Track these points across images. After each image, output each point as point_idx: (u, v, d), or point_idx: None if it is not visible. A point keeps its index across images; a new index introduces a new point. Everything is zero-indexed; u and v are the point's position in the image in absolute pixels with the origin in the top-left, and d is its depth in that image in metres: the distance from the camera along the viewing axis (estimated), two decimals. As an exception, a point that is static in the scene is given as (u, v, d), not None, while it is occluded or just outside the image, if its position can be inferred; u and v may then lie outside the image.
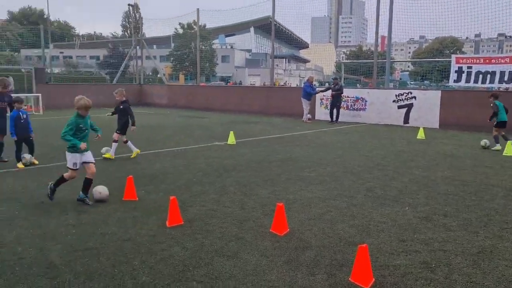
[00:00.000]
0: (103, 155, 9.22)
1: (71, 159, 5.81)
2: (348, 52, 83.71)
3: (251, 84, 54.37)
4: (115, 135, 9.38)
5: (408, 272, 3.83)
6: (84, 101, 5.84)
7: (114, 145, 9.32)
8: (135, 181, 6.29)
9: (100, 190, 5.95)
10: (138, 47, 30.92)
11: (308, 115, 18.89)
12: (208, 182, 7.12)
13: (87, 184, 5.88)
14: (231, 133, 11.75)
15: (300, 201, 6.05)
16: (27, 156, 8.43)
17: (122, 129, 9.42)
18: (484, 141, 11.48)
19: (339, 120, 18.03)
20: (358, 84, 40.13)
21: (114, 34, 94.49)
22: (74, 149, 5.76)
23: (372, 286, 3.55)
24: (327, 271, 3.84)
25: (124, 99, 9.43)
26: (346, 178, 7.54)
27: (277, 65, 64.88)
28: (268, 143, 11.89)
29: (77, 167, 5.84)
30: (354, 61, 49.21)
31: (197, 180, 7.31)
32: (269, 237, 4.64)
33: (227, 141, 11.60)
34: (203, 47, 49.41)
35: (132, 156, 9.40)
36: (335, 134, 14.20)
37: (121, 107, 9.39)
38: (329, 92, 18.61)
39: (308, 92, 18.53)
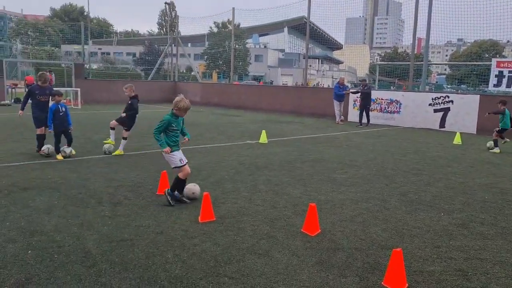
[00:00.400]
0: (112, 153, 9.12)
1: (174, 157, 5.63)
2: (383, 54, 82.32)
3: (283, 84, 54.29)
4: (124, 132, 9.32)
5: (443, 279, 3.74)
6: (184, 103, 5.62)
7: (124, 141, 9.24)
8: (170, 177, 6.40)
9: (194, 190, 5.85)
10: (173, 45, 31.42)
11: (342, 116, 18.71)
12: (240, 180, 7.17)
13: (181, 184, 5.70)
14: (263, 132, 11.78)
15: (332, 202, 6.01)
16: (67, 150, 8.69)
17: (130, 126, 9.39)
18: (490, 143, 11.92)
19: (370, 122, 17.56)
20: (392, 87, 39.45)
21: (150, 31, 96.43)
22: (173, 148, 5.65)
23: (405, 291, 3.50)
24: (359, 273, 3.81)
25: (133, 94, 9.38)
26: (378, 181, 7.43)
27: (310, 66, 64.49)
28: (300, 143, 11.86)
29: (184, 162, 5.67)
30: (389, 63, 48.39)
31: (229, 177, 7.37)
32: (301, 237, 4.64)
33: (259, 139, 11.63)
34: (237, 46, 49.65)
35: (114, 153, 9.15)
36: (368, 137, 14.01)
37: (129, 102, 9.35)
38: (359, 94, 18.29)
39: (338, 93, 18.35)
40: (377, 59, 78.01)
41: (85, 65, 30.68)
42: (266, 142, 11.49)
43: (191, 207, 5.55)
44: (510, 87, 16.33)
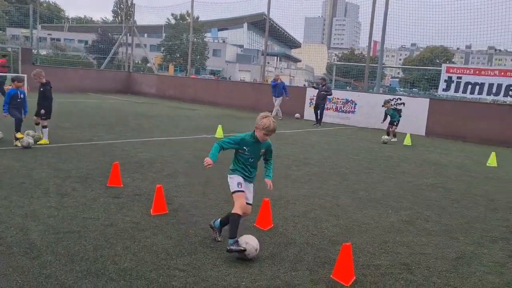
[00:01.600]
0: (37, 142, 8.56)
1: (232, 179, 4.31)
2: (340, 55, 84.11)
3: (241, 80, 54.29)
4: (42, 121, 8.74)
5: (388, 272, 3.87)
6: (269, 121, 4.08)
7: (45, 130, 8.74)
8: (121, 168, 6.24)
9: (256, 246, 3.94)
10: (128, 34, 30.62)
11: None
12: (194, 174, 7.10)
13: (235, 222, 4.07)
14: (220, 126, 11.73)
15: (285, 198, 6.07)
16: (31, 133, 8.45)
17: (47, 113, 8.73)
18: (384, 138, 13.55)
19: (322, 121, 17.50)
20: (348, 87, 40.35)
21: (104, 19, 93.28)
22: (233, 171, 4.38)
23: (352, 284, 3.59)
24: (309, 267, 3.87)
25: (44, 81, 8.78)
26: (332, 179, 7.59)
27: (268, 63, 64.80)
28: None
29: (242, 188, 4.24)
30: (346, 63, 49.48)
31: (183, 171, 7.28)
32: (254, 231, 4.65)
33: (215, 134, 11.57)
34: (195, 39, 49.11)
35: (39, 142, 8.62)
36: (323, 135, 14.27)
37: (41, 89, 8.77)
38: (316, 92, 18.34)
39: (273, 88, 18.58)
40: (334, 59, 79.58)
41: (33, 50, 29.32)
42: (222, 137, 11.45)
43: (144, 200, 5.44)
44: (458, 92, 17.12)
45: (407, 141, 13.56)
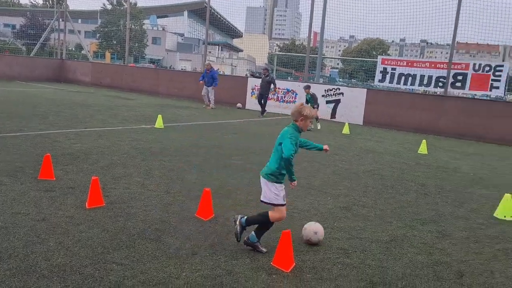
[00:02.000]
0: None
1: (279, 190, 4.01)
2: (281, 45, 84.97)
3: (182, 69, 53.41)
4: None
5: (327, 257, 3.99)
6: (311, 110, 4.09)
7: None
8: (53, 160, 5.93)
9: (317, 229, 4.23)
10: (60, 19, 29.04)
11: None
12: (133, 165, 6.90)
13: (265, 225, 4.05)
14: (159, 116, 11.47)
15: (226, 188, 6.06)
16: None
17: None
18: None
19: (265, 112, 17.53)
20: (289, 77, 40.94)
21: (33, 2, 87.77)
22: (281, 177, 4.09)
23: (292, 270, 3.65)
24: (250, 255, 3.89)
25: None
26: (272, 167, 7.66)
27: (209, 52, 64.21)
28: (197, 129, 11.77)
29: (285, 202, 4.08)
30: (287, 53, 50.12)
31: (121, 162, 7.05)
32: (194, 222, 4.61)
33: (154, 124, 11.30)
34: (132, 26, 47.53)
35: None
36: (265, 125, 14.39)
37: None
38: (259, 82, 18.26)
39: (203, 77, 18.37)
40: (275, 49, 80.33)
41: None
42: (162, 127, 11.21)
43: (78, 193, 5.20)
44: (392, 83, 17.87)
45: (346, 130, 14.00)
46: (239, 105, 19.73)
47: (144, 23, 62.96)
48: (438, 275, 3.81)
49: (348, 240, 4.48)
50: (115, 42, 53.88)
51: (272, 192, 3.98)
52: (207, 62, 19.30)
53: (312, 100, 14.58)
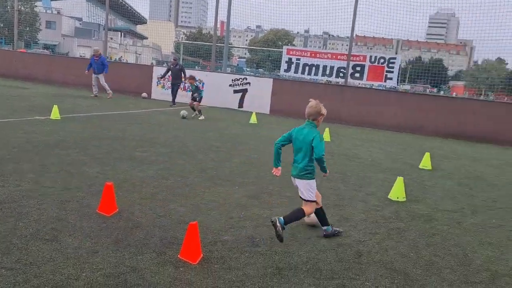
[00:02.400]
0: None
1: (314, 187, 4.32)
2: (188, 33, 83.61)
3: (80, 56, 50.24)
4: None
5: (234, 246, 4.00)
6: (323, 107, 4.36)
7: None
8: None
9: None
10: None
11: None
12: (26, 160, 6.33)
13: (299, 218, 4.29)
14: (55, 107, 10.66)
15: (131, 181, 5.82)
16: None
17: None
18: (182, 112, 13.52)
19: (175, 102, 17.32)
20: (196, 66, 40.49)
21: None
22: (314, 172, 4.35)
23: (200, 261, 3.61)
24: (156, 250, 3.77)
25: None
26: (180, 158, 7.52)
27: (111, 39, 61.16)
28: (99, 120, 11.16)
29: None
30: (194, 42, 49.43)
31: (11, 157, 6.43)
32: (95, 218, 4.35)
33: (50, 115, 10.48)
34: (22, 8, 43.53)
35: None
36: (171, 115, 14.08)
37: None
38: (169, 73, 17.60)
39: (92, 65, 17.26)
40: (182, 37, 78.87)
41: None
42: (59, 118, 10.44)
43: (-41, 193, 4.64)
44: (297, 73, 18.47)
45: (253, 119, 14.19)
46: (144, 94, 19.10)
47: (36, 5, 57.97)
48: (339, 256, 4.01)
49: (256, 228, 4.53)
50: (2, 25, 49.04)
51: (309, 191, 4.27)
52: (95, 48, 18.14)
53: (197, 91, 14.05)
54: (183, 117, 13.31)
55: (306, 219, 4.59)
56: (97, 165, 6.45)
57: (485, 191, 7.38)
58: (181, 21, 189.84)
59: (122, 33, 73.57)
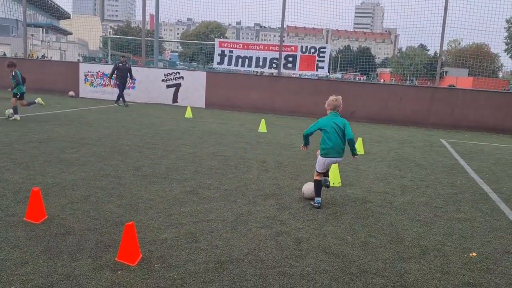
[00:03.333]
0: None
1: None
2: (116, 28, 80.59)
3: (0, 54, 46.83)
4: None
5: (174, 244, 3.93)
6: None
7: None
8: None
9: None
10: None
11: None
12: None
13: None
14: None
15: (61, 185, 5.52)
16: None
17: None
18: (7, 112, 10.75)
19: (120, 100, 16.37)
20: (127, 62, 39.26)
21: None
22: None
23: (139, 262, 3.51)
24: (91, 254, 3.61)
25: None
26: (113, 158, 7.26)
27: (32, 35, 57.47)
28: (21, 122, 10.48)
29: None
30: (122, 37, 47.74)
31: None
32: (23, 227, 4.08)
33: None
34: None
35: None
36: (102, 113, 13.55)
37: None
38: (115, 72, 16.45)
39: None
40: (109, 32, 75.84)
41: None
42: (-22, 121, 9.68)
43: None
44: (231, 65, 18.43)
45: (188, 114, 14.01)
46: (71, 93, 18.21)
47: None
48: (279, 245, 4.07)
49: (195, 223, 4.48)
50: None
51: (319, 162, 5.60)
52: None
53: (14, 80, 10.65)
54: (7, 117, 10.68)
55: (305, 194, 5.65)
56: (22, 170, 6.05)
57: (412, 172, 7.82)
58: (108, 15, 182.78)
59: (44, 29, 69.38)
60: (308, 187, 5.62)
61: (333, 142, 5.38)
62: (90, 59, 45.64)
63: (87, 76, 18.33)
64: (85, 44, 58.36)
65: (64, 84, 18.53)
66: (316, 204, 5.28)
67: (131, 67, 16.95)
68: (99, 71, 18.29)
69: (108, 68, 18.26)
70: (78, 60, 37.56)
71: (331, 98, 5.58)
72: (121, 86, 16.27)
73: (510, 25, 62.44)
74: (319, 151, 5.58)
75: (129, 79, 16.83)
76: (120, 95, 16.21)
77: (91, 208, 4.73)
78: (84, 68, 18.51)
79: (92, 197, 5.10)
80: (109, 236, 3.99)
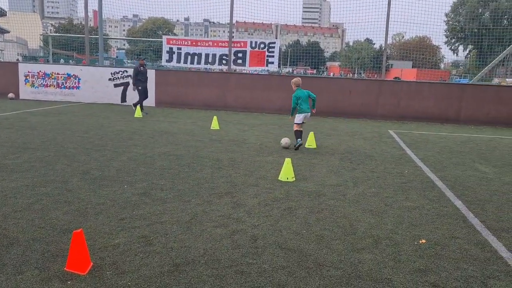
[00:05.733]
0: None
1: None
2: (57, 25, 77.26)
3: None
4: None
5: (127, 249, 3.80)
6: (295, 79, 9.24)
7: None
8: None
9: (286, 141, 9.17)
10: None
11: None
12: None
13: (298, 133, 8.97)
14: None
15: (2, 193, 5.21)
16: None
17: None
18: None
19: (138, 103, 14.33)
20: (71, 60, 37.74)
21: None
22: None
23: (90, 271, 3.36)
24: (38, 265, 3.42)
25: None
26: (59, 162, 6.94)
27: (-34, 34, 53.96)
28: (-42, 127, 9.82)
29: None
30: (64, 35, 45.86)
31: None
32: (-40, 241, 3.81)
33: None
34: None
35: None
36: (45, 115, 12.94)
37: None
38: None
39: None
40: (50, 30, 72.60)
41: None
42: None
43: None
44: (180, 63, 18.13)
45: (138, 113, 13.66)
46: (11, 95, 17.28)
47: None
48: (236, 243, 4.03)
49: (149, 226, 4.36)
50: None
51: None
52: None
53: None
54: None
55: (282, 144, 9.09)
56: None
57: (363, 163, 8.02)
58: (48, 12, 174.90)
59: (-22, 28, 65.36)
60: (285, 140, 9.15)
61: (305, 104, 8.96)
62: (30, 58, 43.53)
63: (28, 77, 17.43)
64: (24, 43, 55.53)
65: (2, 85, 17.55)
66: (298, 144, 8.76)
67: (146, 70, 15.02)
68: (40, 71, 17.45)
69: (49, 68, 17.47)
70: (17, 60, 35.70)
71: (296, 79, 9.18)
72: (142, 91, 14.44)
73: (449, 18, 65.67)
74: (294, 116, 9.05)
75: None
76: (140, 102, 14.31)
77: (36, 217, 4.49)
78: (24, 68, 17.59)
79: (37, 205, 4.84)
80: (56, 245, 3.80)
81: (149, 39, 49.18)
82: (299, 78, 9.18)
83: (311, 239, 4.22)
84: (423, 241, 4.29)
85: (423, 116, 16.10)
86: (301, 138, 8.83)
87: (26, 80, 17.42)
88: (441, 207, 5.47)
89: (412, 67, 50.31)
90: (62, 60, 36.20)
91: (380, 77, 17.97)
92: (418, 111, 16.13)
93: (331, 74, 60.32)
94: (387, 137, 11.75)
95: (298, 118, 8.92)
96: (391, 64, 58.36)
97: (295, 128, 8.92)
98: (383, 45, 17.85)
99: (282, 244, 4.07)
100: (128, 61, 52.49)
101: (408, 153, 9.29)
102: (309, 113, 8.97)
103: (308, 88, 9.40)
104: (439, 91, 16.08)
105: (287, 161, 6.47)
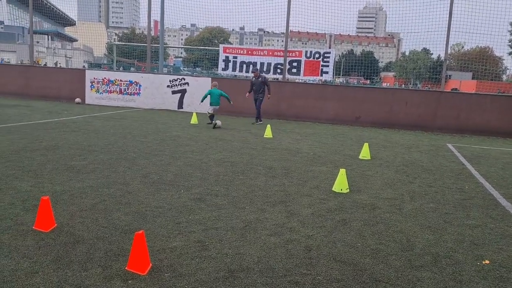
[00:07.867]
0: None
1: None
2: (120, 34, 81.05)
3: (5, 62, 47.18)
4: None
5: (184, 252, 3.91)
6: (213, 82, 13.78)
7: None
8: None
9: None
10: None
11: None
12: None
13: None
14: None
15: (70, 192, 5.53)
16: None
17: None
18: None
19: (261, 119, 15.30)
20: (132, 68, 39.37)
21: None
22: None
23: (149, 271, 3.49)
24: (101, 263, 3.60)
25: None
26: (120, 165, 7.26)
27: (38, 42, 57.86)
28: (30, 129, 10.53)
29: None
30: (127, 43, 47.98)
31: None
32: (32, 236, 4.08)
33: (-25, 127, 9.74)
34: None
35: None
36: (108, 120, 13.58)
37: None
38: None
39: None
40: (114, 39, 76.26)
41: None
42: (-15, 129, 9.73)
43: None
44: (235, 71, 18.45)
45: (194, 120, 14.02)
46: (77, 100, 18.29)
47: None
48: (289, 252, 4.04)
49: (204, 231, 4.46)
50: None
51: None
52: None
53: None
54: None
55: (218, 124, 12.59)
56: (30, 178, 6.06)
57: (420, 177, 7.77)
58: (113, 22, 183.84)
59: (50, 36, 69.84)
60: (219, 122, 13.04)
61: (214, 100, 13.50)
62: (95, 65, 45.86)
63: (93, 83, 18.40)
64: (90, 50, 58.66)
65: (70, 91, 18.61)
66: (213, 124, 12.94)
67: (267, 80, 15.42)
68: (104, 77, 18.36)
69: (113, 75, 18.33)
70: (84, 66, 37.73)
71: (213, 83, 14.10)
72: (257, 102, 15.03)
73: (514, 28, 62.18)
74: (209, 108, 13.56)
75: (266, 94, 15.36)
76: (258, 112, 14.98)
77: (99, 216, 4.72)
78: (90, 74, 18.59)
79: (101, 205, 5.10)
80: (118, 245, 3.98)
81: (205, 47, 50.36)
82: (216, 82, 14.35)
83: (366, 252, 4.15)
84: (487, 262, 4.09)
85: (484, 129, 15.36)
86: (212, 120, 13.29)
87: (92, 86, 18.39)
88: (505, 227, 5.19)
89: (472, 78, 48.18)
90: (121, 68, 37.81)
91: (439, 88, 17.35)
92: (479, 124, 15.41)
93: (385, 84, 58.88)
94: (445, 150, 11.32)
95: (210, 108, 13.73)
96: (450, 75, 56.15)
97: (209, 113, 13.77)
98: (442, 55, 17.25)
99: (337, 256, 4.02)
100: (185, 68, 53.97)
101: (469, 168, 8.90)
102: (217, 107, 13.74)
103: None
104: (502, 104, 15.30)
105: (342, 172, 6.40)
